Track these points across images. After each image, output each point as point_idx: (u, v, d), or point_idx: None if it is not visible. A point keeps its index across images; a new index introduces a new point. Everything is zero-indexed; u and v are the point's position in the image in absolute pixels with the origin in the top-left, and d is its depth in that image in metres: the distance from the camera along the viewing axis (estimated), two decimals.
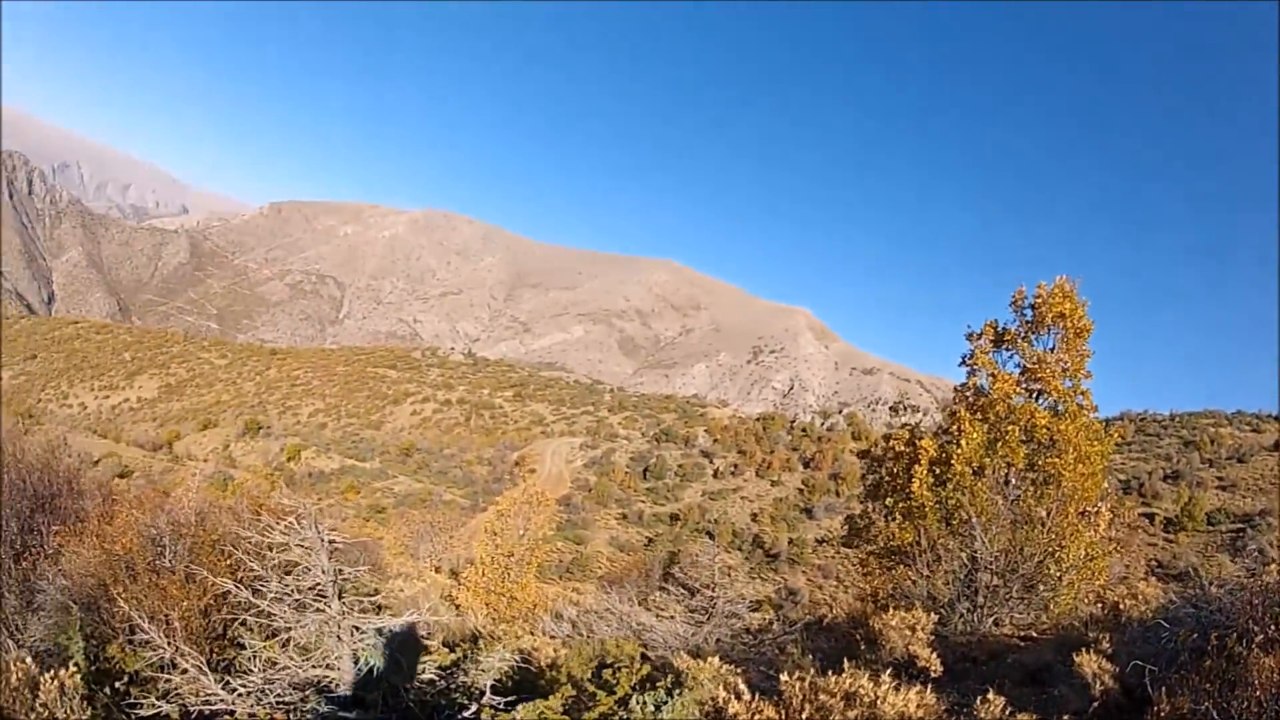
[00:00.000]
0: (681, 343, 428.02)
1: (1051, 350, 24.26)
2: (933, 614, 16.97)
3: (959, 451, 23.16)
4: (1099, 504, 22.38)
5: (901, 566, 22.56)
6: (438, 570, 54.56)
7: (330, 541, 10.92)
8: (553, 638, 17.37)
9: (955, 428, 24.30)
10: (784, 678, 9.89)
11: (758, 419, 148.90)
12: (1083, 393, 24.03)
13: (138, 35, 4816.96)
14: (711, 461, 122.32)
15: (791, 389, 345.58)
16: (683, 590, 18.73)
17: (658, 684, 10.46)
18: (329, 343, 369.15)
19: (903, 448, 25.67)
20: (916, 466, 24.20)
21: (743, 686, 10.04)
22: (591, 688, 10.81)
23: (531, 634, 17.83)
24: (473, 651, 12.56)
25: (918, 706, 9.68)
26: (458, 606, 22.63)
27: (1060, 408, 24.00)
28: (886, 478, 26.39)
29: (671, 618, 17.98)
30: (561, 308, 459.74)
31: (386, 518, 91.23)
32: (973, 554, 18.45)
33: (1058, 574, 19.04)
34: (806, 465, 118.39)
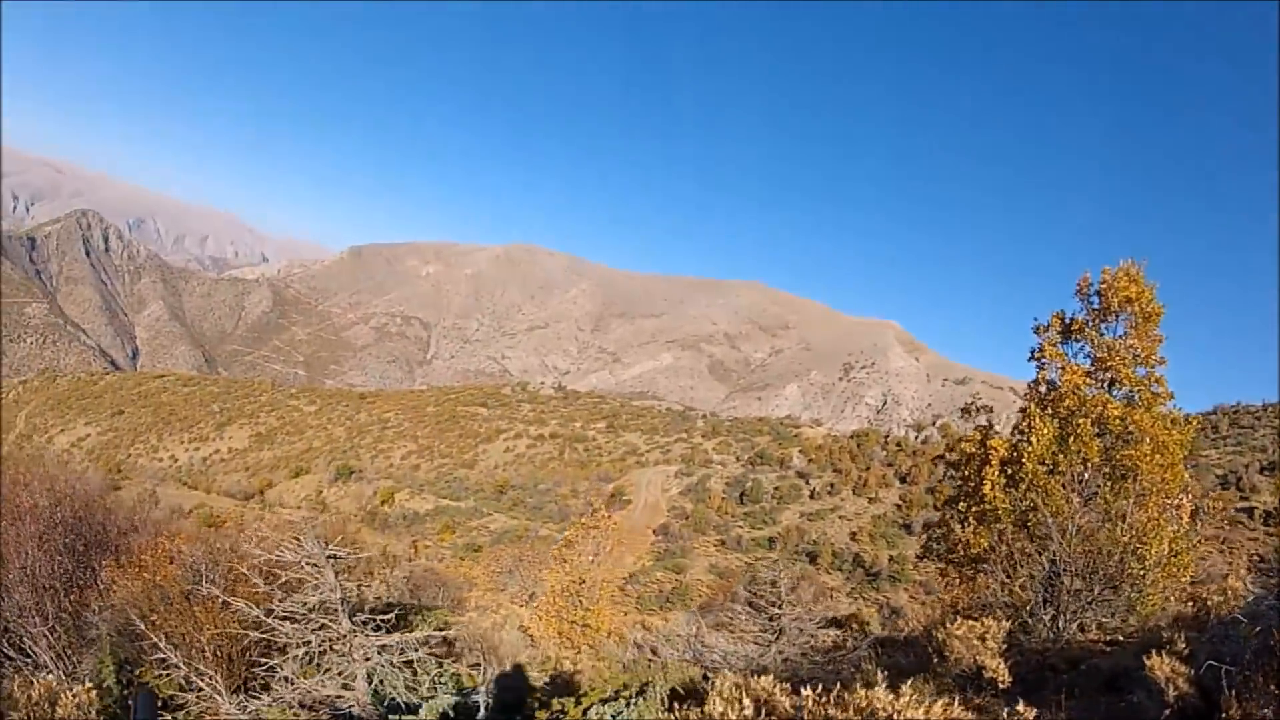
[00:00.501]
0: (771, 364, 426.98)
1: (1121, 338, 23.04)
2: (1012, 621, 16.41)
3: (1030, 449, 22.02)
4: (1181, 496, 20.74)
5: (981, 575, 21.30)
6: (529, 601, 54.44)
7: (334, 557, 10.79)
8: (617, 662, 17.23)
9: (1026, 425, 23.07)
10: (805, 692, 9.54)
11: (851, 436, 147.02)
12: (1157, 380, 22.74)
13: (207, 88, 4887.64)
14: (807, 482, 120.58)
15: (884, 404, 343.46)
16: (751, 610, 18.47)
17: (620, 694, 10.33)
18: (418, 384, 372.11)
19: (974, 449, 24.62)
20: (987, 468, 23.29)
21: (749, 702, 9.63)
22: (559, 704, 10.71)
23: (600, 660, 17.70)
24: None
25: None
26: (531, 636, 22.43)
27: (1134, 397, 22.76)
28: (959, 482, 25.63)
29: (742, 639, 17.83)
30: (649, 335, 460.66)
31: (480, 555, 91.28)
32: (1051, 557, 17.52)
33: (1141, 572, 17.87)
34: (903, 480, 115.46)
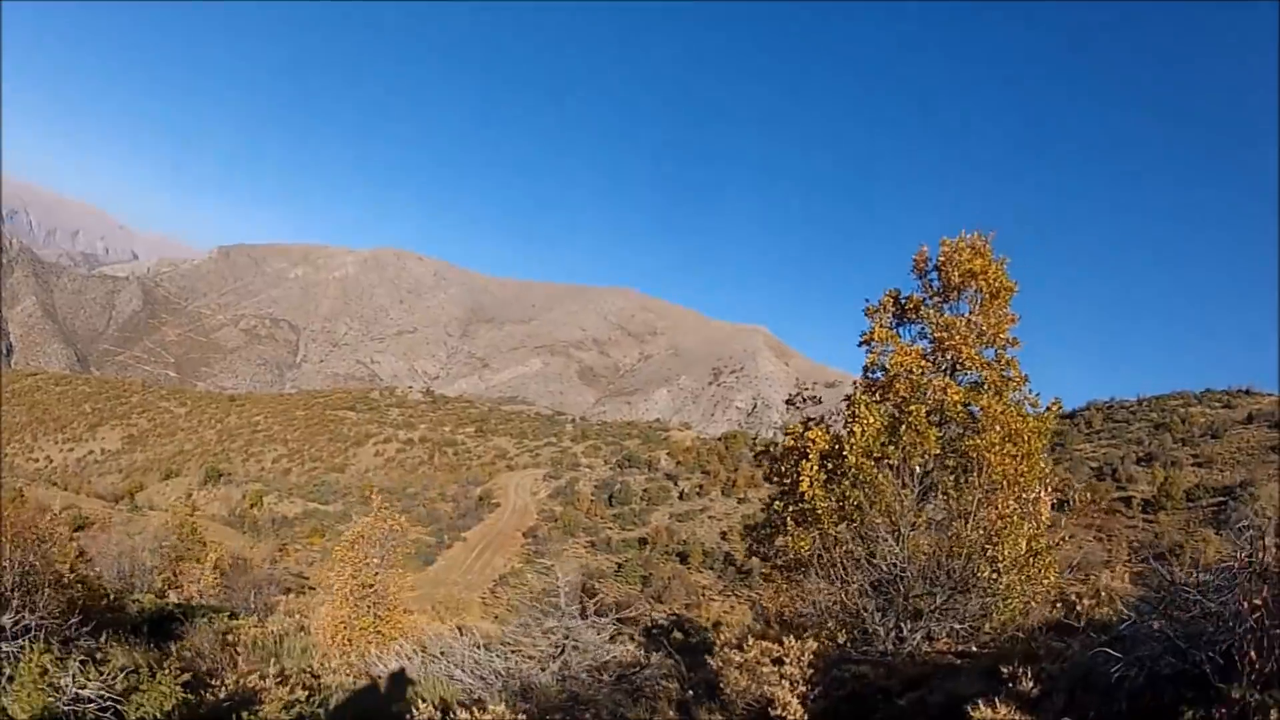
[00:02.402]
0: (641, 369, 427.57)
1: (964, 315, 20.64)
2: (850, 632, 16.28)
3: (852, 440, 19.51)
4: (1039, 489, 18.48)
5: (813, 579, 18.57)
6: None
7: None
8: (377, 677, 16.60)
9: (850, 415, 20.36)
10: None
11: (720, 438, 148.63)
12: (1008, 362, 20.54)
13: (77, 75, 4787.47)
14: (676, 484, 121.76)
15: (755, 408, 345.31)
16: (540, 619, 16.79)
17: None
18: (288, 387, 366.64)
19: (792, 442, 21.64)
20: (804, 462, 20.44)
21: None
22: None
23: (363, 675, 17.33)
24: None
25: None
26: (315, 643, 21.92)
27: (981, 382, 20.51)
28: (777, 480, 22.91)
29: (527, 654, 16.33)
30: (518, 341, 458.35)
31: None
32: (885, 560, 16.20)
33: (993, 575, 16.25)
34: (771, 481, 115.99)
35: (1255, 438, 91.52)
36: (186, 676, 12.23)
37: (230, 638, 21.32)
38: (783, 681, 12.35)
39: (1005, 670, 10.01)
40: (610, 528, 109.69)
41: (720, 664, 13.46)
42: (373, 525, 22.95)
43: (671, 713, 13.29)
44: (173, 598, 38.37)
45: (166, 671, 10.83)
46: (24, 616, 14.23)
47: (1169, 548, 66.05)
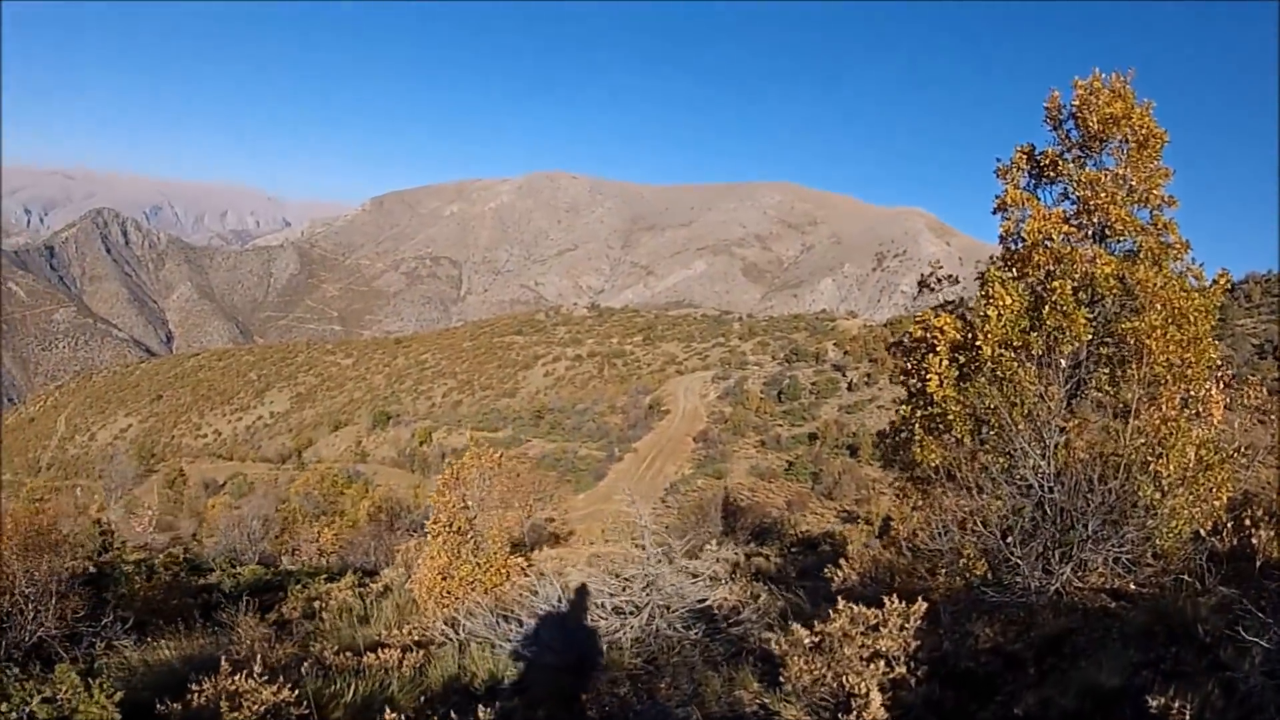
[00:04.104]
0: (804, 261, 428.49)
1: (1109, 170, 16.17)
2: (990, 562, 13.07)
3: (987, 327, 15.30)
4: (1210, 384, 14.51)
5: (951, 494, 14.93)
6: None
7: None
8: (432, 642, 14.78)
9: (984, 296, 15.98)
10: None
11: (886, 324, 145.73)
12: (1165, 225, 16.02)
13: (199, 72, 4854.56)
14: (845, 375, 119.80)
15: (920, 291, 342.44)
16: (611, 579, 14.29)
17: None
18: (454, 321, 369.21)
19: (921, 332, 17.33)
20: (931, 356, 16.41)
21: None
22: None
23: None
24: None
25: None
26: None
27: (1136, 250, 16.09)
28: (903, 376, 18.50)
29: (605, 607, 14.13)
30: (680, 245, 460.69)
31: None
32: (1027, 476, 12.92)
33: (1155, 494, 12.67)
34: None
35: None
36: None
37: (319, 604, 20.18)
38: (868, 666, 9.28)
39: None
40: (780, 424, 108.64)
41: (786, 646, 10.02)
42: (467, 464, 20.29)
43: (755, 684, 10.60)
44: (286, 563, 37.22)
45: (98, 689, 8.99)
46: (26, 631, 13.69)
47: None
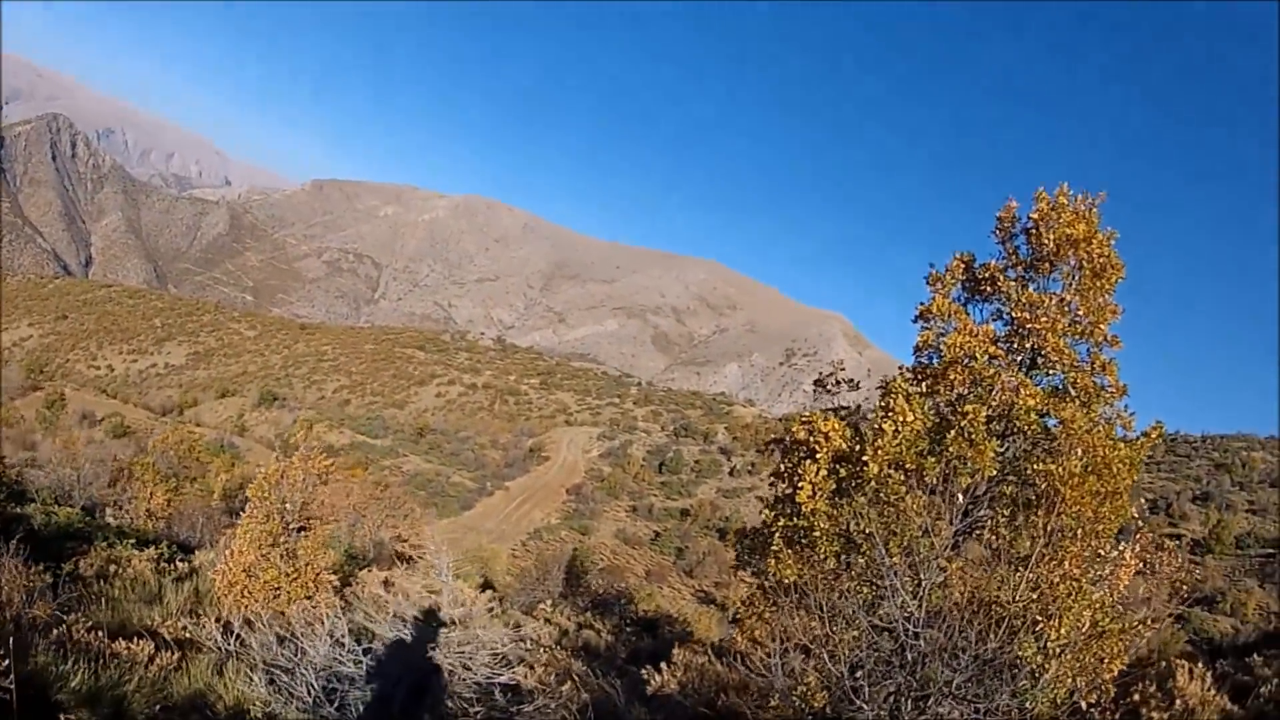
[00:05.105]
0: (716, 341, 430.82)
1: (1054, 294, 14.98)
2: (830, 701, 11.55)
3: (879, 442, 13.49)
4: (1122, 545, 12.87)
5: (802, 612, 13.01)
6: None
7: None
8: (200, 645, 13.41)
9: (884, 407, 14.26)
10: None
11: (781, 419, 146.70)
12: (1104, 365, 14.81)
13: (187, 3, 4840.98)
14: (729, 459, 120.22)
15: (816, 391, 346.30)
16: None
17: None
18: (363, 321, 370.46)
19: (803, 434, 15.61)
20: (809, 463, 14.41)
21: None
22: None
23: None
24: None
25: None
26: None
27: (1066, 387, 14.81)
28: (772, 479, 16.90)
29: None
30: (598, 300, 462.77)
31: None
32: (894, 613, 11.70)
33: (1038, 657, 11.30)
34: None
35: None
36: None
37: (115, 568, 19.20)
38: None
39: None
40: (655, 494, 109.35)
41: None
42: (295, 465, 18.92)
43: None
44: (110, 517, 36.04)
45: None
46: None
47: (1211, 593, 66.32)
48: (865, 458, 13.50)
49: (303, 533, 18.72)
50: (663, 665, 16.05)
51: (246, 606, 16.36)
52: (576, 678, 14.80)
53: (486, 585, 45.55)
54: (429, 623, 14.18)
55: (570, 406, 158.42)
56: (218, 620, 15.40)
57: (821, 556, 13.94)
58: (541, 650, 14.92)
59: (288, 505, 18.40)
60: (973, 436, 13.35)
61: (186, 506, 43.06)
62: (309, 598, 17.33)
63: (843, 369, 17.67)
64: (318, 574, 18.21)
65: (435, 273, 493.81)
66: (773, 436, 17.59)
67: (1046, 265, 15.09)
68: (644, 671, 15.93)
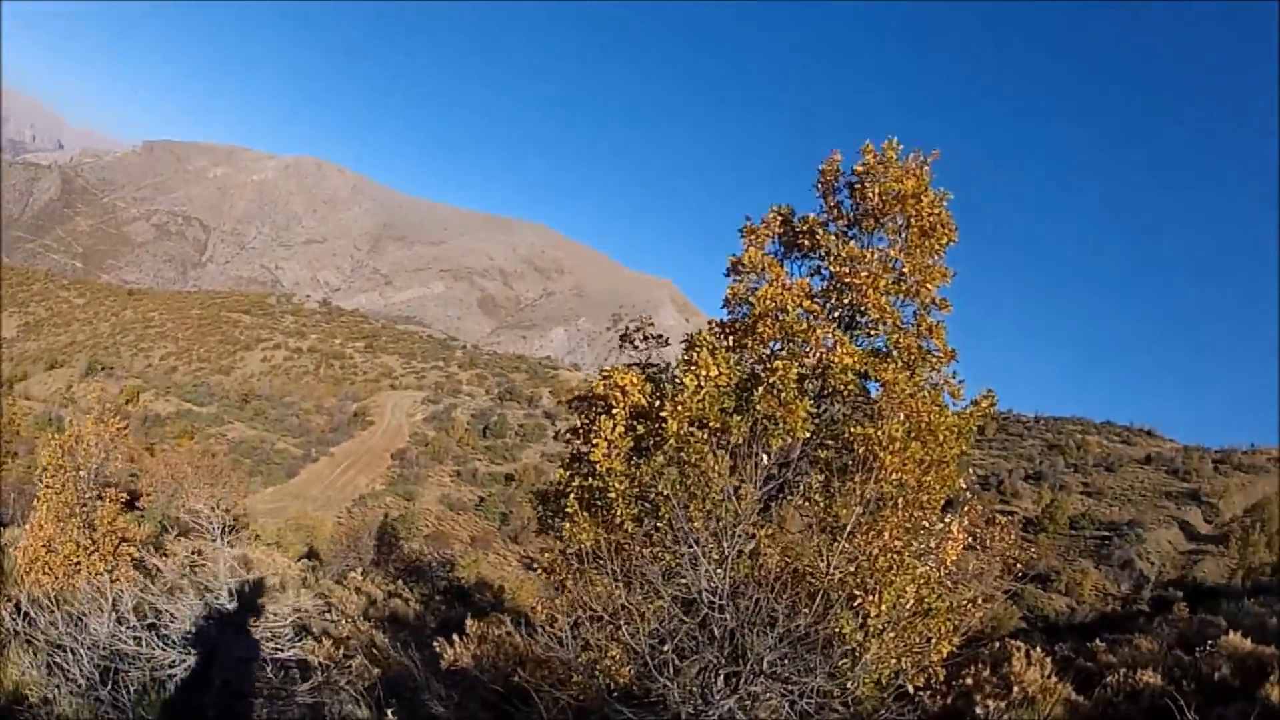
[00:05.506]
0: (542, 305, 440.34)
1: (879, 249, 14.07)
2: (640, 683, 10.87)
3: (680, 397, 12.66)
4: (951, 518, 12.43)
5: (608, 580, 12.05)
6: None
7: None
8: None
9: (688, 362, 13.30)
10: None
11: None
12: (931, 328, 13.96)
13: None
14: (554, 424, 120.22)
15: (648, 359, 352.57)
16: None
17: None
18: (190, 286, 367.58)
19: (603, 390, 14.28)
20: (605, 418, 13.58)
21: None
22: None
23: None
24: None
25: None
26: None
27: (886, 345, 13.94)
28: (568, 435, 16.21)
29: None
30: (425, 262, 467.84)
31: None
32: (697, 584, 10.86)
33: (858, 635, 10.72)
34: None
35: (1151, 480, 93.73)
36: None
37: None
38: None
39: None
40: (480, 459, 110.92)
41: None
42: (89, 430, 18.05)
43: None
44: None
45: None
46: None
47: (1045, 571, 68.19)
48: (664, 414, 12.76)
49: (100, 501, 17.93)
50: (455, 638, 15.44)
51: (47, 583, 15.61)
52: (374, 651, 14.12)
53: (311, 554, 44.87)
54: (234, 596, 13.46)
55: (395, 370, 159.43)
56: (9, 599, 14.56)
57: (618, 520, 13.03)
58: (345, 622, 14.19)
59: (82, 473, 17.58)
60: (783, 394, 12.54)
61: (5, 483, 41.91)
62: (109, 571, 16.53)
63: (651, 324, 16.72)
64: (117, 545, 17.45)
65: (263, 235, 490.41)
66: (576, 394, 16.55)
67: (871, 221, 14.29)
68: (436, 644, 15.34)
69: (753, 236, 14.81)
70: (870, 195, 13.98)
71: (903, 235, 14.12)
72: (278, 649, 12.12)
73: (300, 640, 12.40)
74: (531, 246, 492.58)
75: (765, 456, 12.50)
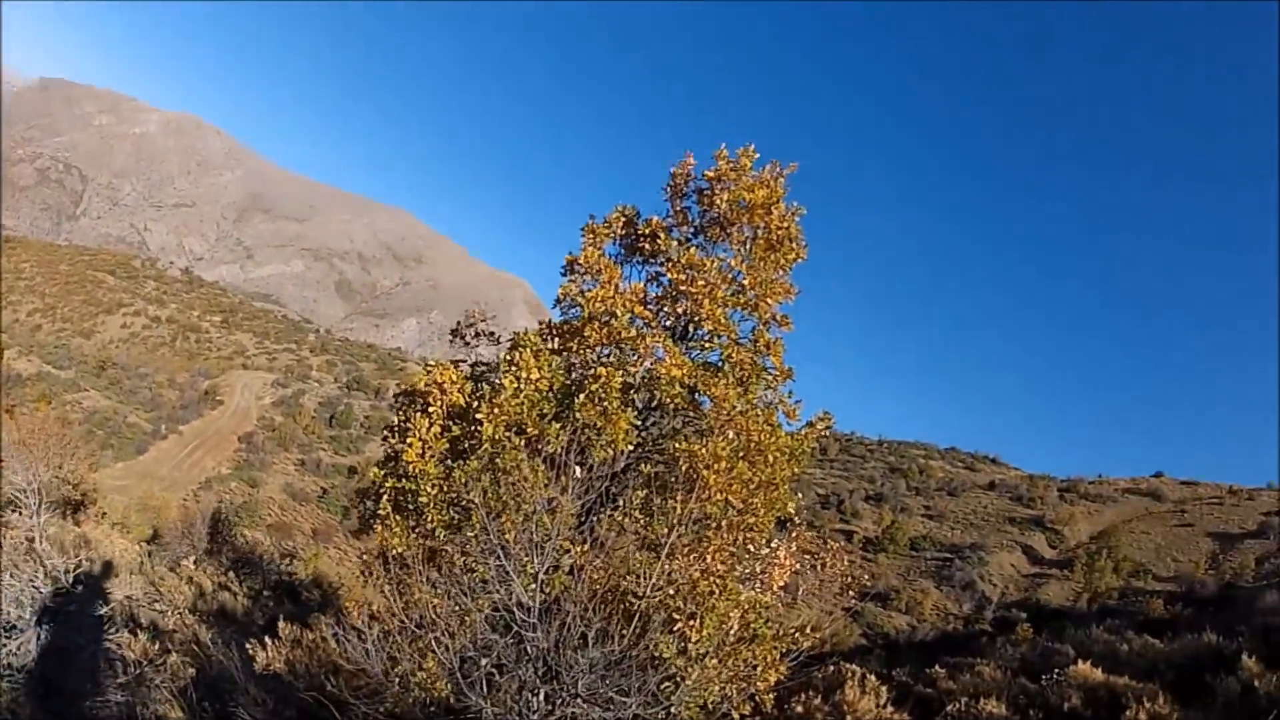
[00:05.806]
0: (398, 294, 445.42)
1: (719, 258, 13.94)
2: (450, 698, 10.61)
3: (497, 399, 12.43)
4: (780, 542, 12.33)
5: (427, 587, 11.68)
6: None
7: None
8: None
9: (509, 363, 13.14)
10: None
11: None
12: (769, 345, 13.77)
13: None
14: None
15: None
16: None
17: None
18: (63, 239, 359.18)
19: (424, 386, 13.94)
20: (420, 416, 13.24)
21: None
22: None
23: None
24: None
25: None
26: None
27: (720, 359, 13.75)
28: (385, 432, 15.19)
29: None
30: (287, 239, 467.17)
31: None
32: (505, 599, 10.69)
33: (679, 660, 10.43)
34: None
35: (994, 505, 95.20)
36: None
37: None
38: None
39: None
40: (324, 449, 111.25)
41: None
42: None
43: None
44: None
45: None
46: None
47: (885, 590, 69.49)
48: (480, 415, 12.48)
49: None
50: (268, 640, 14.97)
51: None
52: (195, 648, 13.61)
53: (156, 536, 43.99)
54: (66, 579, 13.03)
55: (248, 349, 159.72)
56: None
57: (430, 526, 12.73)
58: (173, 613, 13.72)
59: None
60: (605, 404, 12.28)
61: None
62: None
63: (484, 319, 16.34)
64: None
65: (136, 192, 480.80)
66: (401, 389, 15.79)
67: (717, 230, 14.31)
68: (249, 646, 14.83)
69: (592, 236, 14.65)
70: (719, 202, 13.96)
71: (748, 247, 14.08)
72: (101, 640, 11.69)
73: (122, 632, 11.94)
74: (392, 232, 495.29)
75: (578, 468, 12.10)
